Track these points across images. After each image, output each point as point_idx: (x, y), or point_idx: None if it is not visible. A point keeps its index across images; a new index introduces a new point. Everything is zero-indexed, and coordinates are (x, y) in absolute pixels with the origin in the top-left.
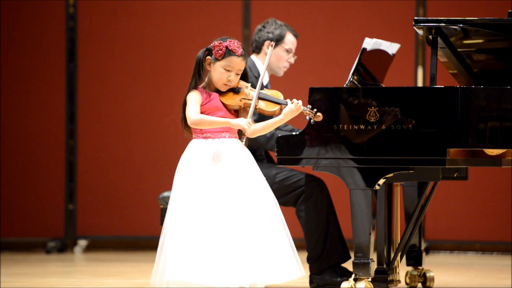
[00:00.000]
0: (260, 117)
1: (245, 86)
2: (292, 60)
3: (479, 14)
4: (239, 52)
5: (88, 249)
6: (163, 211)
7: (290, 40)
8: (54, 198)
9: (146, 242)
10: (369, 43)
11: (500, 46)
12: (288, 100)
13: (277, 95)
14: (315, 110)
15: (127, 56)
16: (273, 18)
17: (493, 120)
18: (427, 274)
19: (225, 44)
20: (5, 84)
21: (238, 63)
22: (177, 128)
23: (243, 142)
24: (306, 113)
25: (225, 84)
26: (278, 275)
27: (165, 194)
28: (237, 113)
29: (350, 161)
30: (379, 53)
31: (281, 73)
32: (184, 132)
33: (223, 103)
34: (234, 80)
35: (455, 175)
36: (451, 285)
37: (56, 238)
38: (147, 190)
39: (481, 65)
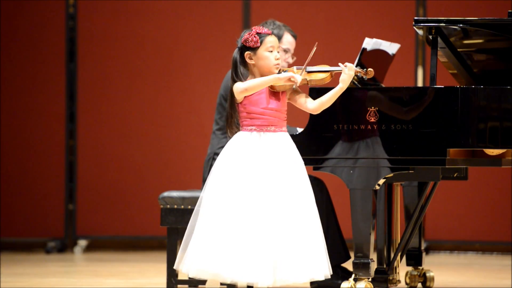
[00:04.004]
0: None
1: (292, 68)
2: (290, 60)
3: (479, 14)
4: (269, 31)
5: (88, 249)
6: (163, 211)
7: (288, 40)
8: (54, 198)
9: (146, 242)
10: (369, 43)
11: (500, 46)
12: (340, 65)
13: (324, 66)
14: (365, 68)
15: (127, 56)
16: (272, 19)
17: (493, 120)
18: (427, 274)
19: (254, 31)
20: (5, 84)
21: (274, 40)
22: (177, 128)
23: (295, 87)
24: (358, 71)
25: (276, 64)
26: (305, 275)
27: (165, 194)
28: (285, 96)
29: (350, 161)
30: (379, 53)
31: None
32: (227, 134)
33: (274, 87)
34: (279, 57)
35: (455, 175)
36: (451, 285)
37: (56, 238)
38: (147, 190)
39: (481, 65)
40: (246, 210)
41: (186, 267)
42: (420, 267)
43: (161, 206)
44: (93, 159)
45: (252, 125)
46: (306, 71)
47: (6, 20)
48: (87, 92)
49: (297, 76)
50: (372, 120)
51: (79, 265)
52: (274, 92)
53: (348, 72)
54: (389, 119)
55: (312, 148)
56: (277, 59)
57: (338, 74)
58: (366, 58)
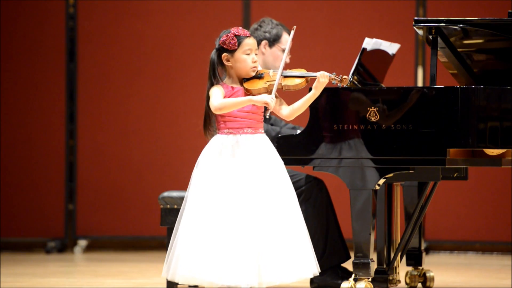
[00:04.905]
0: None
1: (267, 71)
2: (288, 60)
3: (479, 14)
4: (247, 33)
5: (88, 249)
6: (163, 211)
7: (286, 40)
8: (54, 198)
9: (146, 242)
10: (369, 43)
11: (500, 46)
12: (316, 73)
13: (299, 70)
14: (340, 75)
15: (127, 56)
16: (268, 17)
17: (493, 120)
18: (427, 274)
19: (232, 33)
20: (5, 84)
21: (252, 43)
22: (177, 128)
23: (266, 116)
24: (332, 78)
25: (253, 67)
26: (291, 275)
27: (165, 194)
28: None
29: (350, 161)
30: (379, 53)
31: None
32: (205, 135)
33: (249, 90)
34: (257, 60)
35: (455, 175)
36: (451, 285)
37: (56, 238)
38: (147, 190)
39: (481, 65)
40: (228, 214)
41: (171, 274)
42: (420, 267)
43: (161, 206)
44: (93, 159)
45: (228, 128)
46: (282, 75)
47: (6, 20)
48: (87, 92)
49: (271, 102)
50: (372, 120)
51: (79, 265)
52: (249, 95)
53: (321, 80)
54: (389, 119)
55: (312, 148)
56: (254, 61)
57: (313, 80)
58: (366, 58)
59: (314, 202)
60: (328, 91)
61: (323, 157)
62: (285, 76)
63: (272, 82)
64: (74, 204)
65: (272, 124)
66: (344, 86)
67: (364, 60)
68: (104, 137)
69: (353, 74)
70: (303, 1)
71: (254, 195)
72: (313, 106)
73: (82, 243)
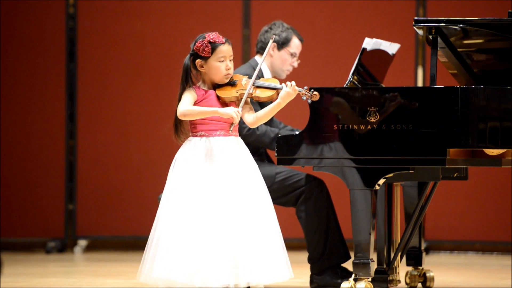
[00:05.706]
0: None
1: (241, 78)
2: (295, 64)
3: (479, 14)
4: (222, 39)
5: (88, 249)
6: None
7: (295, 44)
8: (54, 198)
9: (146, 242)
10: (369, 43)
11: (500, 46)
12: (283, 84)
13: (273, 81)
14: (312, 90)
15: (127, 56)
16: (280, 20)
17: (493, 120)
18: (427, 274)
19: (206, 40)
20: (5, 84)
21: (227, 50)
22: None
23: (231, 130)
24: (302, 93)
25: (226, 74)
26: (267, 276)
27: None
28: (234, 104)
29: (350, 161)
30: (379, 53)
31: (283, 76)
32: (175, 139)
33: (220, 97)
34: (231, 66)
35: (455, 175)
36: (451, 285)
37: (56, 238)
38: (147, 190)
39: (481, 65)
40: (202, 216)
41: (145, 277)
42: (420, 267)
43: None
44: (93, 159)
45: (200, 131)
46: (254, 85)
47: (6, 20)
48: (87, 92)
49: (236, 117)
50: (372, 120)
51: (79, 265)
52: (221, 101)
53: (288, 89)
54: (389, 119)
55: (312, 148)
56: (228, 69)
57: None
58: (366, 58)
59: (315, 202)
60: (328, 91)
61: (323, 157)
62: (257, 87)
63: (243, 91)
64: (74, 204)
65: (269, 125)
66: (314, 101)
67: (364, 60)
68: (104, 137)
69: (353, 74)
70: (303, 1)
71: (228, 197)
72: (313, 106)
73: (82, 243)
